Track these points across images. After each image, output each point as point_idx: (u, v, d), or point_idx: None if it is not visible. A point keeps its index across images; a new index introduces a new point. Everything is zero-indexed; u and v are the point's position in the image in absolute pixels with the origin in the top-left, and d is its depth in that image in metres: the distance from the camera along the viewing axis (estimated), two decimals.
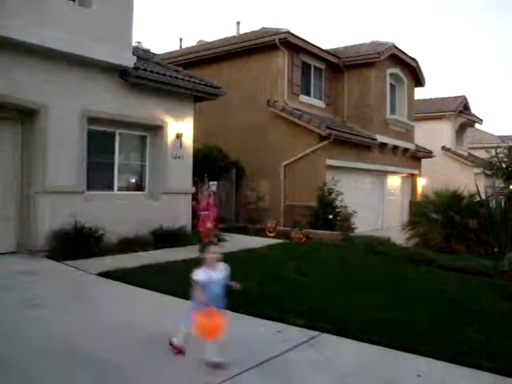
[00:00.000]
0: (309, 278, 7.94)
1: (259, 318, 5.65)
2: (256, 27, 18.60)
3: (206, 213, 10.16)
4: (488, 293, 7.89)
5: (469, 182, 16.52)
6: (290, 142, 15.69)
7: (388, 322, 5.65)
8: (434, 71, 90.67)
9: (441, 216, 14.34)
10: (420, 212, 15.62)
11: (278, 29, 16.49)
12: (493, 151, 14.58)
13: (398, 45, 19.33)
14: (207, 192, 10.45)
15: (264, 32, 17.04)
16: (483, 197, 14.57)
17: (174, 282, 6.96)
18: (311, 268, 8.83)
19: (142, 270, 7.86)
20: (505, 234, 12.81)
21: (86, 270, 7.82)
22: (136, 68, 10.18)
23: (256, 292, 6.71)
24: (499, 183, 14.82)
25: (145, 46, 15.46)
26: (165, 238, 10.54)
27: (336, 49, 19.57)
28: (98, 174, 10.40)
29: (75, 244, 8.82)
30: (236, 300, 6.25)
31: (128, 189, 11.13)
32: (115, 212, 10.08)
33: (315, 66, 18.12)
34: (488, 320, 6.18)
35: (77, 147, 9.44)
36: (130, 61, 10.05)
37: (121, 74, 10.18)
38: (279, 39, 15.88)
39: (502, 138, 26.74)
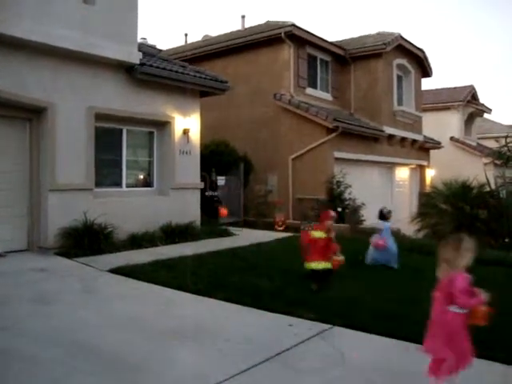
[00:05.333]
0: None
1: (270, 312, 5.65)
2: (261, 21, 18.57)
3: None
4: (503, 284, 7.85)
5: (478, 172, 16.37)
6: (298, 135, 15.65)
7: (399, 314, 5.64)
8: (441, 61, 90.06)
9: (450, 207, 14.27)
10: (429, 203, 15.55)
11: (283, 22, 16.43)
12: (502, 141, 14.49)
13: (404, 35, 19.19)
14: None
15: (269, 25, 16.98)
16: (493, 187, 14.49)
17: (183, 277, 7.00)
18: None
19: (151, 265, 7.89)
20: None
21: (96, 266, 7.87)
22: (142, 64, 10.18)
23: (266, 286, 6.73)
24: (509, 173, 14.73)
25: (150, 42, 15.41)
26: (174, 233, 10.57)
27: (342, 41, 19.47)
28: (107, 171, 10.45)
29: (85, 241, 8.87)
30: (246, 294, 6.29)
31: (136, 185, 11.16)
32: (124, 208, 10.11)
33: (321, 59, 18.03)
34: (502, 312, 6.14)
35: (85, 144, 9.47)
36: (135, 57, 10.06)
37: (127, 70, 10.19)
38: (285, 32, 15.81)
39: None
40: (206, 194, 13.55)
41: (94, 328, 4.98)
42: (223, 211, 13.93)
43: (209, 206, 13.53)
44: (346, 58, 18.51)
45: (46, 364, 4.07)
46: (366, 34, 19.89)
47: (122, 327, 5.06)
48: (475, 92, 28.05)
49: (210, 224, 12.66)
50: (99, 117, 9.78)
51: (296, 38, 16.20)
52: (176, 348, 4.49)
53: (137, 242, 9.74)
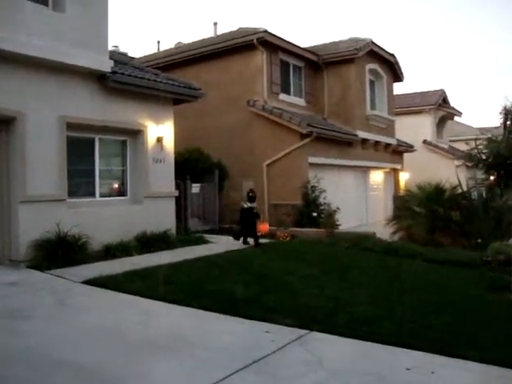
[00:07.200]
0: (295, 277, 7.93)
1: (247, 319, 5.63)
2: (234, 27, 18.57)
3: None
4: (474, 284, 7.97)
5: (450, 174, 16.69)
6: (272, 141, 15.67)
7: (376, 317, 5.68)
8: (411, 66, 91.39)
9: (424, 209, 14.49)
10: (404, 206, 15.78)
11: (255, 28, 16.46)
12: (472, 143, 14.77)
13: (375, 41, 19.45)
14: None
15: (242, 32, 17.00)
16: (465, 188, 14.75)
17: (159, 286, 6.92)
18: (297, 266, 8.83)
19: (126, 275, 7.76)
20: (487, 224, 12.98)
21: (70, 278, 7.71)
22: (114, 72, 10.07)
23: (243, 292, 6.70)
24: (480, 174, 15.01)
25: (122, 49, 15.31)
26: (149, 242, 10.46)
27: (315, 46, 19.61)
28: (80, 181, 10.28)
29: (58, 252, 8.68)
30: (223, 301, 6.26)
31: (110, 194, 11.00)
32: (98, 218, 9.96)
33: (294, 65, 18.14)
34: (476, 311, 6.24)
35: (56, 154, 9.31)
36: (107, 65, 9.95)
37: (99, 78, 10.06)
38: (257, 39, 15.86)
39: (481, 130, 27.00)
40: (244, 205, 11.87)
41: (69, 342, 4.86)
42: (263, 226, 12.77)
43: (247, 219, 11.69)
44: (318, 64, 18.67)
45: (16, 382, 3.96)
46: (339, 39, 20.11)
47: (98, 340, 4.95)
48: (446, 96, 28.57)
49: (187, 232, 12.60)
50: (71, 126, 9.63)
51: (268, 44, 16.26)
52: (154, 359, 4.43)
53: (111, 252, 9.60)
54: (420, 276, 8.54)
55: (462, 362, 4.43)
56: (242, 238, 11.70)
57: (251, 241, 11.62)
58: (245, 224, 11.75)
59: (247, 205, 11.82)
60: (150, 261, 9.01)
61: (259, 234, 11.90)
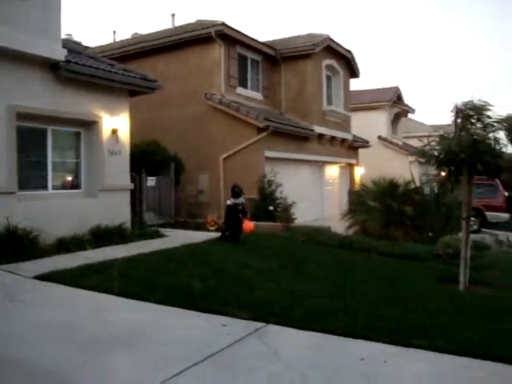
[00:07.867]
0: (251, 270, 7.96)
1: (203, 313, 5.60)
2: (191, 19, 18.42)
3: None
4: (425, 276, 8.21)
5: (404, 170, 17.09)
6: (229, 134, 15.65)
7: (331, 310, 5.76)
8: (368, 63, 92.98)
9: (379, 204, 14.79)
10: (359, 201, 16.08)
11: (213, 21, 16.37)
12: (425, 140, 15.17)
13: (333, 37, 19.67)
14: None
15: (200, 24, 16.87)
16: (418, 184, 15.17)
17: (114, 280, 6.79)
18: (253, 260, 8.86)
19: (80, 270, 7.58)
20: (438, 219, 13.38)
21: (20, 273, 7.46)
22: (67, 61, 9.80)
23: (199, 286, 6.67)
24: (432, 170, 15.47)
25: (76, 38, 14.92)
26: (104, 236, 10.25)
27: (273, 41, 19.67)
28: (31, 173, 9.98)
29: (9, 247, 8.39)
30: (180, 295, 6.21)
31: (63, 187, 10.73)
32: (51, 212, 9.70)
33: (252, 59, 18.15)
34: (426, 303, 6.41)
35: (5, 145, 8.98)
36: (59, 54, 9.65)
37: (51, 67, 9.77)
38: (215, 31, 15.78)
39: (434, 127, 27.70)
40: (229, 202, 11.13)
41: (21, 340, 4.70)
42: (247, 225, 11.99)
43: (233, 217, 10.96)
44: (276, 58, 18.74)
45: None
46: (297, 34, 20.22)
47: (52, 337, 4.81)
48: (400, 93, 29.20)
49: (142, 226, 12.44)
50: (22, 116, 9.31)
51: (226, 37, 16.20)
52: (110, 356, 4.35)
53: (65, 246, 9.34)
54: (374, 269, 8.72)
55: (413, 351, 4.57)
56: (227, 237, 11.05)
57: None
58: (230, 222, 11.07)
59: (232, 201, 11.11)
60: (104, 255, 8.84)
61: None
